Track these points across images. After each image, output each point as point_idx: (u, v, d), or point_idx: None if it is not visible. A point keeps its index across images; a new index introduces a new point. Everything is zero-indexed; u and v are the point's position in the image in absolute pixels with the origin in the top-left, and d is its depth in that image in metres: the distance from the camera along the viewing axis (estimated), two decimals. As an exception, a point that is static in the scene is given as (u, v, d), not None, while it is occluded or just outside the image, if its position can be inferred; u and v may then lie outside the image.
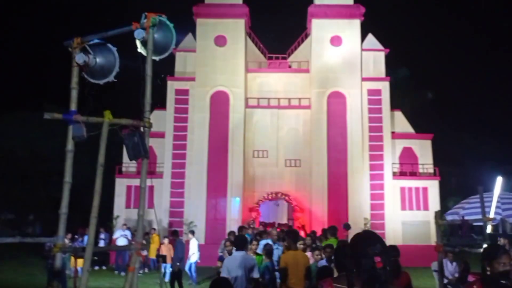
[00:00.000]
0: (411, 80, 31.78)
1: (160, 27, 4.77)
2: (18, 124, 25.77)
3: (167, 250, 16.51)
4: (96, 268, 21.44)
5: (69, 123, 4.37)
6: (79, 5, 50.69)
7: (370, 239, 2.97)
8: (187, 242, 17.00)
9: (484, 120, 31.99)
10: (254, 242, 9.65)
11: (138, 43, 4.77)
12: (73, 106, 4.46)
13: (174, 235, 16.25)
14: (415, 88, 31.33)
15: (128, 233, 20.12)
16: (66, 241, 17.40)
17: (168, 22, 4.82)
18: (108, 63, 4.73)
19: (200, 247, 21.98)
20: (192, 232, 17.60)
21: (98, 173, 4.29)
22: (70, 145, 4.44)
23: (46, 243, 18.37)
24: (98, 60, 4.66)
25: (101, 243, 21.94)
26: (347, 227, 18.05)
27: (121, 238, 19.74)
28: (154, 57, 4.77)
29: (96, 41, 4.67)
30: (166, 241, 17.48)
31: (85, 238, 20.89)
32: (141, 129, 4.50)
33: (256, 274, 6.94)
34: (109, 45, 4.77)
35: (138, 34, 4.66)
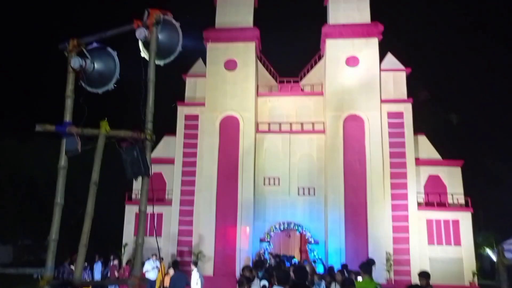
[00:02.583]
0: (437, 102, 29.32)
1: (165, 27, 4.23)
2: (38, 151, 26.49)
3: (171, 282, 15.43)
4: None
5: (63, 135, 3.93)
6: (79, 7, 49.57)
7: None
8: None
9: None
10: None
11: (141, 46, 4.29)
12: (68, 117, 4.01)
13: (174, 266, 15.25)
14: (442, 110, 28.78)
15: (159, 264, 17.42)
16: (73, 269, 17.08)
17: (174, 21, 4.27)
18: (108, 69, 4.24)
19: (209, 280, 20.98)
20: (195, 263, 16.54)
21: (91, 192, 3.79)
22: (63, 161, 3.97)
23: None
24: (96, 65, 4.19)
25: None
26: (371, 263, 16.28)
27: (153, 271, 16.75)
28: (158, 62, 4.25)
29: (94, 45, 4.23)
30: (171, 271, 16.50)
31: (95, 266, 20.41)
32: (142, 142, 3.98)
33: None
34: (109, 49, 4.28)
35: (140, 33, 4.12)
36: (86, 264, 18.93)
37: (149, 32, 4.09)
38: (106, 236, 25.76)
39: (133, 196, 24.63)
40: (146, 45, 4.19)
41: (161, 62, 4.33)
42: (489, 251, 28.95)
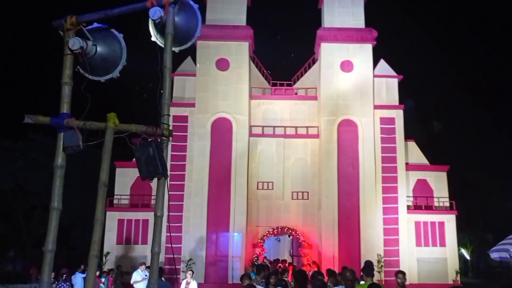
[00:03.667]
0: (426, 109, 30.48)
1: (182, 8, 3.69)
2: (1, 154, 23.77)
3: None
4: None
5: (59, 129, 3.37)
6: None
7: None
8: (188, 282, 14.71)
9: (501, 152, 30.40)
10: None
11: (151, 29, 3.74)
12: (65, 108, 3.40)
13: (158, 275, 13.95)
14: (430, 117, 30.04)
15: (147, 273, 15.97)
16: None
17: (192, 3, 3.74)
18: (113, 54, 3.62)
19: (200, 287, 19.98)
20: (191, 270, 15.53)
21: (100, 195, 3.44)
22: (60, 159, 3.43)
23: None
24: (99, 49, 3.55)
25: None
26: (371, 265, 16.37)
27: (143, 282, 14.71)
28: (173, 48, 3.72)
29: (95, 25, 3.59)
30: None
31: (74, 278, 18.53)
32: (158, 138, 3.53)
33: None
34: (114, 31, 3.63)
35: (155, 13, 3.54)
36: (64, 276, 17.28)
37: (164, 12, 3.56)
38: (83, 245, 23.85)
39: (115, 201, 23.07)
40: (158, 28, 3.66)
41: (176, 49, 3.80)
42: (463, 251, 30.61)
